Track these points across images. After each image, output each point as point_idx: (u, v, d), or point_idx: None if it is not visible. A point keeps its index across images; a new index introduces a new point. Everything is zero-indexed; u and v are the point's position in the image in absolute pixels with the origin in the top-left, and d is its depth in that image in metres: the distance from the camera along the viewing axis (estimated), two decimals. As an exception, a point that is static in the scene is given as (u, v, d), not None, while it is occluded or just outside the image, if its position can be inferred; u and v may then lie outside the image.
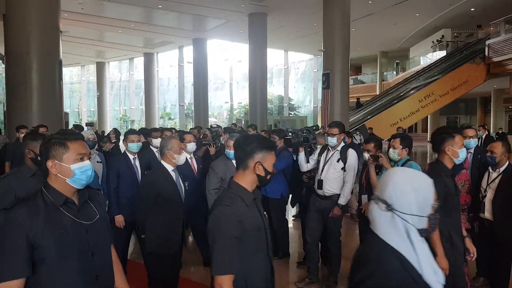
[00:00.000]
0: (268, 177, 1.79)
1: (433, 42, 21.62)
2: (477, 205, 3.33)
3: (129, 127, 27.93)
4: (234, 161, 3.33)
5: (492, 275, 3.37)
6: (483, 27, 19.36)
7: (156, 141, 4.91)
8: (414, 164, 3.27)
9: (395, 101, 18.11)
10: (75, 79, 36.44)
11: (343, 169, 3.78)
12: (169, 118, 33.31)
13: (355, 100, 21.91)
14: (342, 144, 3.92)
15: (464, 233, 2.86)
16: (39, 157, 2.20)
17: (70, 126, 14.37)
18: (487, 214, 3.27)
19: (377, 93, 24.21)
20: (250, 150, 1.75)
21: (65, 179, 1.60)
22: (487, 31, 18.64)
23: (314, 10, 14.86)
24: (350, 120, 16.12)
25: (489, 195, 3.26)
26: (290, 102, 29.65)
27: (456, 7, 16.87)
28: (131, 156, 4.01)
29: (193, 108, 22.96)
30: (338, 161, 3.81)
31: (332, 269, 3.91)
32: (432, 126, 25.24)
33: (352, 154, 3.84)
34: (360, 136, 14.16)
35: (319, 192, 3.86)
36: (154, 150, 4.89)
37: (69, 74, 35.73)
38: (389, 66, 27.55)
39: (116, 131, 7.16)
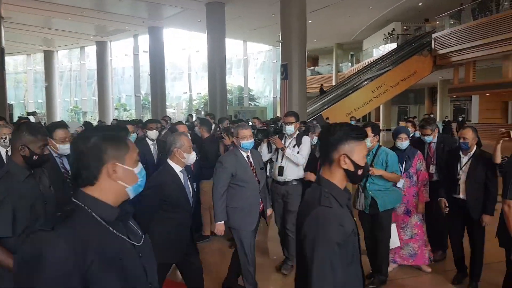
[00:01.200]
0: (360, 172, 1.53)
1: (384, 34, 22.53)
2: (453, 186, 3.61)
3: (81, 119, 26.85)
4: (245, 154, 3.38)
5: (472, 248, 3.66)
6: (430, 21, 20.43)
7: (152, 134, 4.67)
8: (385, 148, 3.72)
9: (350, 92, 18.77)
10: (20, 69, 34.32)
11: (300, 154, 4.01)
12: (125, 109, 32.34)
13: (319, 88, 22.82)
14: (297, 132, 4.15)
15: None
16: (35, 156, 2.11)
17: (15, 119, 13.62)
18: (461, 194, 3.57)
19: (333, 84, 24.93)
20: (334, 140, 1.52)
21: (125, 187, 1.24)
22: (433, 25, 19.72)
23: (271, 1, 14.97)
24: (307, 110, 16.53)
25: (463, 177, 3.54)
26: (250, 92, 29.81)
27: (406, 1, 17.68)
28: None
29: (150, 99, 22.45)
30: (294, 147, 4.02)
31: (289, 252, 4.13)
32: (384, 115, 26.42)
33: (306, 139, 4.09)
34: (317, 125, 14.63)
35: (280, 178, 4.03)
36: (150, 143, 4.62)
37: (14, 63, 33.62)
38: (344, 57, 28.37)
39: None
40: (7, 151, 3.80)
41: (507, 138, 3.39)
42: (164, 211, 2.77)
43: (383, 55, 20.85)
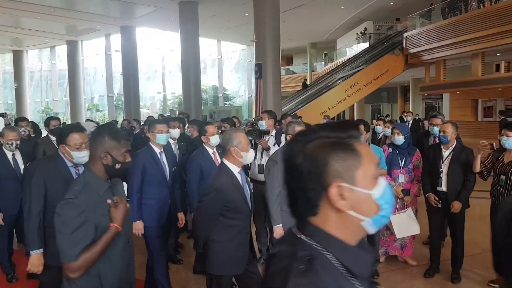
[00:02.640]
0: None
1: (357, 34, 22.82)
2: (435, 180, 3.76)
3: (53, 121, 25.98)
4: None
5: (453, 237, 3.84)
6: (401, 20, 20.81)
7: (174, 132, 4.49)
8: (374, 146, 4.15)
9: (324, 91, 18.90)
10: (-12, 69, 33.08)
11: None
12: (97, 110, 31.59)
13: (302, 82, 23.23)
14: (275, 130, 4.42)
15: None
16: (118, 164, 1.80)
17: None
18: (443, 187, 3.70)
19: (308, 83, 25.08)
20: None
21: (360, 222, 0.83)
22: (404, 24, 20.09)
23: (245, 1, 14.91)
24: (282, 110, 16.55)
25: (444, 170, 3.69)
26: (225, 92, 29.65)
27: (377, 1, 17.96)
28: (157, 150, 3.43)
29: (123, 99, 21.99)
30: (274, 145, 4.19)
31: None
32: (358, 114, 26.78)
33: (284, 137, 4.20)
34: (292, 124, 14.66)
35: (260, 177, 4.07)
36: (172, 142, 4.42)
37: (-20, 63, 32.39)
38: (318, 57, 28.59)
39: (34, 125, 6.57)
40: (13, 154, 3.83)
41: (488, 150, 3.58)
42: (225, 217, 2.50)
43: (355, 54, 21.10)
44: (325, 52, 27.32)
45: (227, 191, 2.48)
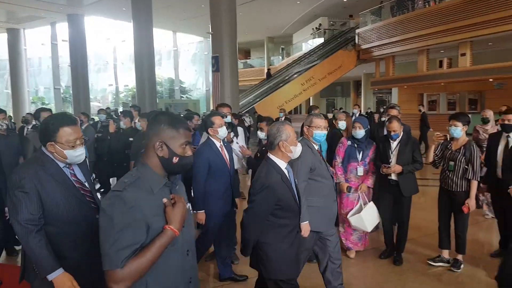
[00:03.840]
0: None
1: (312, 29, 23.26)
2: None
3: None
4: (316, 147, 3.09)
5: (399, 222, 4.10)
6: (354, 16, 21.49)
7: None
8: None
9: (281, 85, 19.14)
10: None
11: (237, 143, 4.31)
12: (43, 103, 29.83)
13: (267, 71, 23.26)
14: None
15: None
16: (175, 157, 1.53)
17: None
18: (393, 176, 3.92)
19: (265, 77, 25.24)
20: None
21: None
22: (357, 21, 20.77)
23: (201, -8, 14.69)
24: (240, 103, 16.56)
25: (393, 160, 3.90)
26: (182, 85, 29.09)
27: (331, -3, 18.40)
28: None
29: (71, 92, 20.92)
30: (232, 137, 4.34)
31: None
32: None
33: (240, 130, 4.54)
34: (250, 118, 14.71)
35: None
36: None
37: None
38: (275, 51, 28.84)
39: None
40: None
41: (442, 140, 3.83)
42: (275, 217, 2.33)
43: (311, 49, 21.52)
44: (282, 46, 27.60)
45: (278, 188, 2.32)
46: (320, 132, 3.01)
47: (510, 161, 3.81)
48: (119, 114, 7.24)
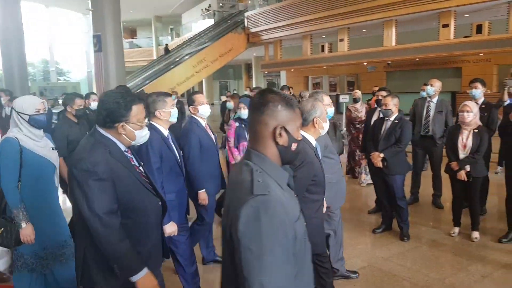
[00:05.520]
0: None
1: (202, 10, 22.91)
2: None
3: None
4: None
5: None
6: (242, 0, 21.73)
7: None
8: None
9: (172, 66, 18.56)
10: None
11: None
12: None
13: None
14: None
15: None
16: (294, 144, 1.25)
17: None
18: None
19: (154, 58, 24.19)
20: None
21: None
22: (246, 4, 21.04)
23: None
24: (128, 85, 15.61)
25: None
26: (58, 66, 26.25)
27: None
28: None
29: None
30: None
31: None
32: (207, 90, 27.27)
33: None
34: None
35: None
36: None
37: None
38: (164, 31, 27.77)
39: None
40: None
41: None
42: (309, 193, 2.31)
43: (201, 31, 21.22)
44: (171, 26, 26.66)
45: (315, 163, 2.31)
46: (330, 109, 3.06)
47: (372, 132, 4.35)
48: None
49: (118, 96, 1.85)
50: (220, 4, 22.70)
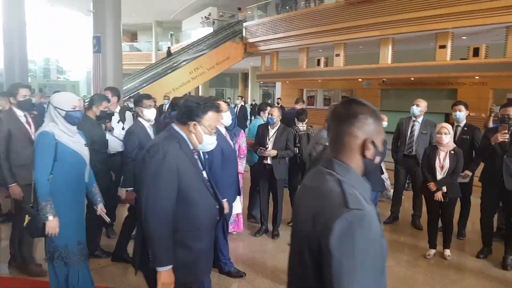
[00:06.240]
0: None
1: (202, 18, 23.33)
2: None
3: None
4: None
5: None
6: (242, 10, 22.17)
7: (149, 113, 3.78)
8: None
9: (169, 71, 18.87)
10: None
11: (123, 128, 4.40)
12: None
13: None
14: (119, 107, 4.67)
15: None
16: (379, 156, 1.25)
17: None
18: (269, 160, 4.50)
19: (153, 62, 24.53)
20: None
21: None
22: (245, 14, 21.49)
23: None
24: (124, 88, 15.88)
25: (270, 146, 4.49)
26: (59, 64, 26.52)
27: (221, -12, 18.69)
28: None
29: None
30: (118, 122, 4.46)
31: None
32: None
33: (129, 115, 4.65)
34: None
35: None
36: (146, 125, 3.79)
37: None
38: (164, 36, 28.17)
39: None
40: None
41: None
42: None
43: (200, 38, 21.60)
44: (171, 32, 27.06)
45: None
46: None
47: None
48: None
49: (201, 100, 2.02)
50: (220, 13, 23.15)
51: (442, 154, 4.01)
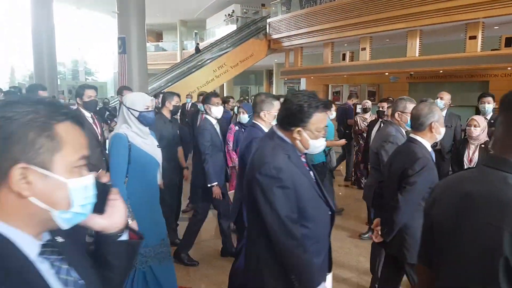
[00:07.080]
0: None
1: (225, 15, 23.32)
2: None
3: None
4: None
5: None
6: (266, 6, 21.99)
7: (217, 110, 3.89)
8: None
9: (193, 70, 18.99)
10: None
11: None
12: None
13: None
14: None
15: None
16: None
17: None
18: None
19: (178, 61, 24.76)
20: None
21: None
22: (269, 10, 21.30)
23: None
24: (150, 88, 16.12)
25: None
26: (87, 66, 27.26)
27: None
28: (214, 121, 3.83)
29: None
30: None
31: None
32: (228, 94, 27.63)
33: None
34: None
35: None
36: (214, 122, 3.93)
37: None
38: (189, 35, 28.37)
39: None
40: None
41: None
42: (423, 200, 2.09)
43: (223, 36, 21.61)
44: (195, 31, 27.22)
45: (434, 171, 2.23)
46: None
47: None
48: None
49: (304, 100, 1.74)
50: (244, 10, 23.06)
51: (472, 147, 3.86)
